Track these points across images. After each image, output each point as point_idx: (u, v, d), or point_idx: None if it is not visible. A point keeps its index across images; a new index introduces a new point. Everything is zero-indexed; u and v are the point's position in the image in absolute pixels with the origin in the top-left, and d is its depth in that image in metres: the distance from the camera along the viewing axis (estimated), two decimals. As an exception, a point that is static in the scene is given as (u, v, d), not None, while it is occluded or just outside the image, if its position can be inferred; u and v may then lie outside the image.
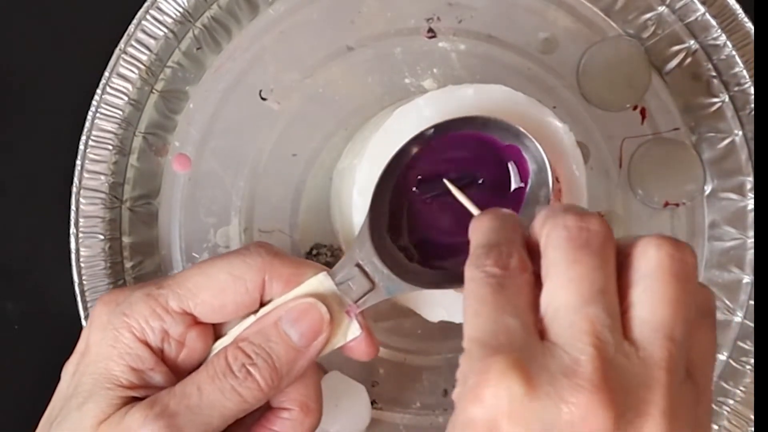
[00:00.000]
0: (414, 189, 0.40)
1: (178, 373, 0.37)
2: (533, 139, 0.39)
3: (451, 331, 0.51)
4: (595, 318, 0.29)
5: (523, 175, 0.41)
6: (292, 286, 0.37)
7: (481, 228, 0.33)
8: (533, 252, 0.32)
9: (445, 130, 0.39)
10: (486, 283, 0.30)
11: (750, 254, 0.53)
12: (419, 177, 0.40)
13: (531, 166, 0.40)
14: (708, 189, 0.54)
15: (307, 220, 0.51)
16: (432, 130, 0.39)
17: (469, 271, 0.31)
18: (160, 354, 0.36)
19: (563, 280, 0.29)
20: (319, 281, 0.37)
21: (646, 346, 0.29)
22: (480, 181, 0.41)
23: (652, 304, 0.29)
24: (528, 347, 0.29)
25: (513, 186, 0.41)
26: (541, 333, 0.30)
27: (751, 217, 0.53)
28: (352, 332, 0.37)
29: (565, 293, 0.29)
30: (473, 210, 0.37)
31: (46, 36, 0.53)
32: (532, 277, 0.31)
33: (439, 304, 0.43)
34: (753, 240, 0.52)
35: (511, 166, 0.41)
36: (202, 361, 0.37)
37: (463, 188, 0.40)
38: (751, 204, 0.53)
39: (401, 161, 0.40)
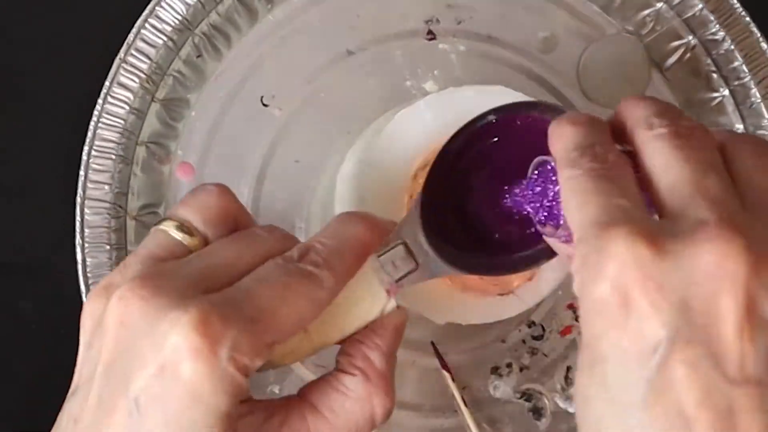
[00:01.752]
0: (469, 175, 0.39)
1: None
2: None
3: (458, 332, 0.51)
4: (713, 187, 0.28)
5: None
6: None
7: (566, 132, 0.32)
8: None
9: (508, 113, 0.38)
10: (588, 177, 0.29)
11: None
12: (476, 163, 0.39)
13: None
14: (711, 184, 0.54)
15: (312, 225, 0.51)
16: (495, 113, 0.38)
17: (566, 172, 0.30)
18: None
19: (674, 159, 0.29)
20: None
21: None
22: (549, 166, 0.40)
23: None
24: (646, 220, 0.28)
25: None
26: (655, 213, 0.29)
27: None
28: (389, 308, 0.36)
29: (679, 169, 0.29)
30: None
31: (46, 46, 0.53)
32: (632, 169, 0.30)
33: (445, 307, 0.43)
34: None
35: None
36: None
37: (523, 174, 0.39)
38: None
39: (461, 143, 0.38)
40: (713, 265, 0.26)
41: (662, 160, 0.29)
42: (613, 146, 0.31)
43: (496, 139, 0.39)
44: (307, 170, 0.51)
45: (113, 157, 0.49)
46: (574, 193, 0.30)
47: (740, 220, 0.27)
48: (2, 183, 0.53)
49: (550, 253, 0.38)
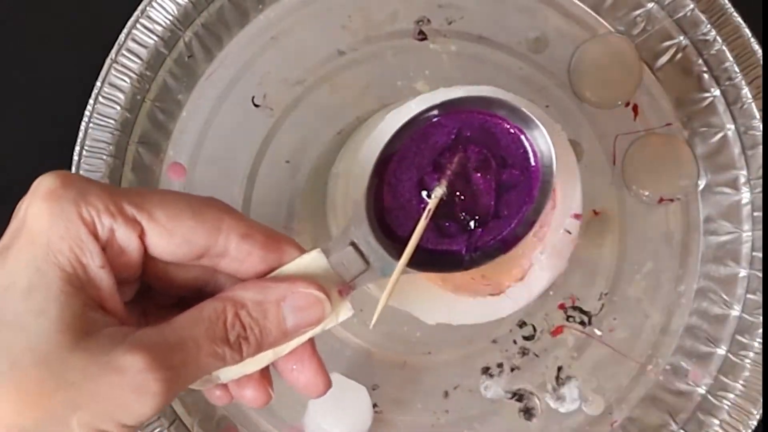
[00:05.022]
0: (413, 170, 0.39)
1: None
2: (539, 123, 0.39)
3: (449, 333, 0.51)
4: None
5: (535, 156, 0.40)
6: (263, 250, 0.35)
7: None
8: None
9: (451, 107, 0.39)
10: None
11: (746, 248, 0.53)
12: (420, 158, 0.39)
13: (538, 148, 0.39)
14: (702, 184, 0.54)
15: (304, 225, 0.51)
16: (438, 108, 0.39)
17: None
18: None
19: None
20: (313, 258, 0.36)
21: None
22: (495, 160, 0.40)
23: None
24: None
25: (529, 164, 0.40)
26: None
27: (745, 210, 0.53)
28: (344, 313, 0.36)
29: None
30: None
31: (38, 47, 0.53)
32: None
33: (435, 307, 0.43)
34: (749, 234, 0.53)
35: (522, 146, 0.40)
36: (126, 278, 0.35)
37: (481, 166, 0.39)
38: (745, 198, 0.53)
39: (403, 138, 0.39)
40: None
41: None
42: None
43: (438, 134, 0.39)
44: (298, 170, 0.51)
45: (104, 157, 0.49)
46: None
47: None
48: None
49: (504, 249, 0.39)
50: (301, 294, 0.35)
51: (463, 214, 0.39)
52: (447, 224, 0.39)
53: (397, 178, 0.39)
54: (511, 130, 0.40)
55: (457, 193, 0.39)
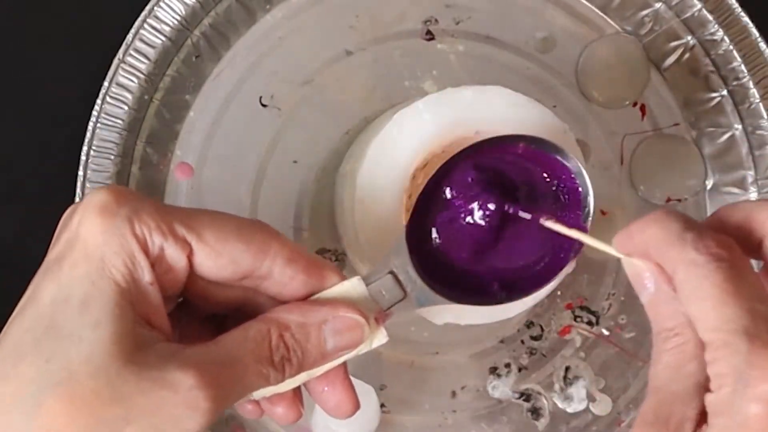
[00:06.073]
0: (455, 204, 0.40)
1: None
2: (574, 158, 0.39)
3: (456, 333, 0.51)
4: None
5: (572, 188, 0.40)
6: (306, 275, 0.36)
7: (665, 218, 0.32)
8: None
9: (494, 144, 0.39)
10: (718, 268, 0.29)
11: (753, 248, 0.53)
12: (463, 192, 0.40)
13: (579, 188, 0.40)
14: (710, 184, 0.54)
15: (311, 225, 0.51)
16: (483, 144, 0.39)
17: (689, 254, 0.30)
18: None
19: None
20: (353, 285, 0.37)
21: None
22: (537, 192, 0.40)
23: None
24: None
25: (568, 197, 0.41)
26: None
27: (753, 210, 0.53)
28: (378, 339, 0.37)
29: None
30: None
31: (45, 46, 0.53)
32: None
33: (443, 308, 0.43)
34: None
35: (563, 186, 0.41)
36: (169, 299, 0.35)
37: (522, 199, 0.40)
38: (753, 197, 0.53)
39: (447, 172, 0.39)
40: None
41: None
42: (728, 238, 0.31)
43: (483, 169, 0.40)
44: (306, 171, 0.51)
45: (112, 157, 0.49)
46: (705, 286, 0.29)
47: None
48: (0, 184, 0.53)
49: (536, 285, 0.39)
50: (342, 318, 0.35)
51: (500, 249, 0.40)
52: (484, 258, 0.40)
53: (438, 211, 0.40)
54: (555, 171, 0.40)
55: (497, 229, 0.39)
